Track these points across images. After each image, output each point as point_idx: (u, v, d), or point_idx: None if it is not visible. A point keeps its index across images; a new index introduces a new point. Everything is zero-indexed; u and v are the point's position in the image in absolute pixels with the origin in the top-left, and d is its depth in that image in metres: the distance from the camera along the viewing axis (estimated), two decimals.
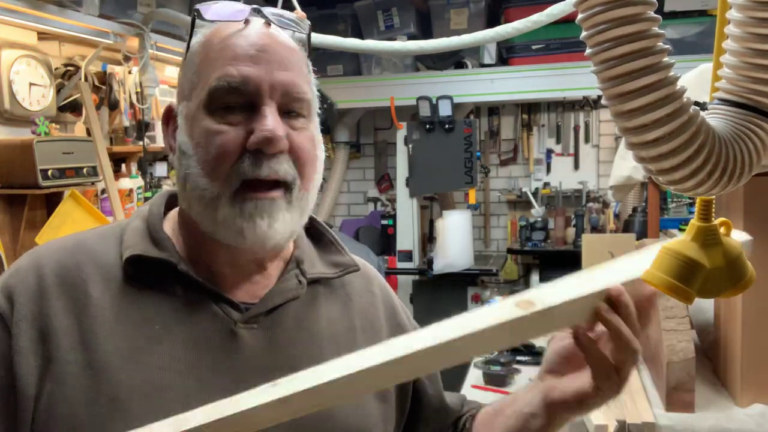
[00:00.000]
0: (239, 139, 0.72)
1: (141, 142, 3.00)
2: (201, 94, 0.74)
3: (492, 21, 4.09)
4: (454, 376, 2.22)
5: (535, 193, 4.58)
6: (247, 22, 0.77)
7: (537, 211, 4.44)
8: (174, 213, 0.83)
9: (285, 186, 0.75)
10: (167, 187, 3.31)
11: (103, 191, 2.69)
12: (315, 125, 0.81)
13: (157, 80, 2.98)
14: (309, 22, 0.83)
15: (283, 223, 0.74)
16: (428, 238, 4.73)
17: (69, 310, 0.71)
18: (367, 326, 0.88)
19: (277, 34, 0.78)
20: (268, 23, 0.78)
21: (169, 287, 0.75)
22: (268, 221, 0.73)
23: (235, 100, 0.73)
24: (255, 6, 0.78)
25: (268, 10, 0.79)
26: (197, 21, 0.78)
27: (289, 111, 0.76)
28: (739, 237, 0.79)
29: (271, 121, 0.72)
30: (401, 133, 4.13)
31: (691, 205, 4.04)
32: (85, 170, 2.45)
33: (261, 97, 0.73)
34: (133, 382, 0.69)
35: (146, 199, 3.10)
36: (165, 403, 0.68)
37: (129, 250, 0.75)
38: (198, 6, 0.78)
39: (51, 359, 0.69)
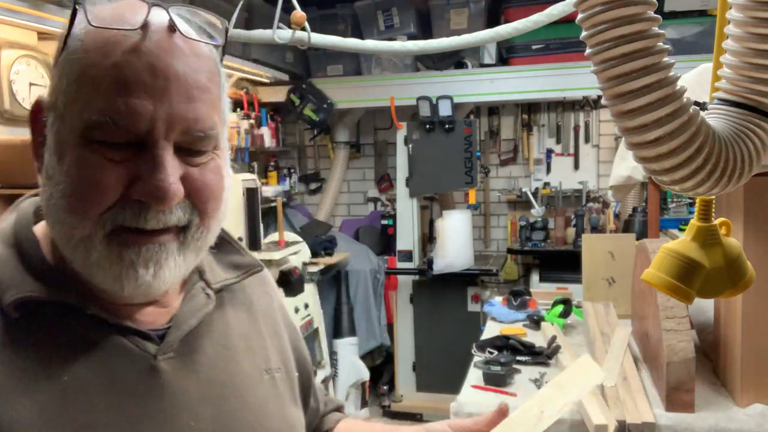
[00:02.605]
0: (120, 182, 0.59)
1: None
2: (77, 119, 0.59)
3: (492, 21, 4.09)
4: (455, 376, 2.22)
5: (535, 193, 4.59)
6: (145, 26, 0.59)
7: (537, 211, 4.44)
8: (42, 231, 0.67)
9: (178, 228, 0.63)
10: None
11: None
12: (224, 149, 0.67)
13: None
14: (226, 24, 0.67)
15: (172, 270, 0.62)
16: (428, 238, 4.73)
17: None
18: (272, 332, 0.81)
19: (185, 47, 0.61)
20: (172, 28, 0.61)
21: (65, 327, 0.62)
22: (154, 270, 0.61)
23: (120, 137, 0.58)
24: (156, 2, 0.61)
25: (174, 9, 0.62)
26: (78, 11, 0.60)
27: (189, 148, 0.62)
28: None
29: (163, 172, 0.59)
30: (401, 133, 4.13)
31: (691, 205, 4.04)
32: None
33: (154, 138, 0.59)
34: None
35: None
36: None
37: (11, 291, 0.60)
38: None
39: None
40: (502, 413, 0.80)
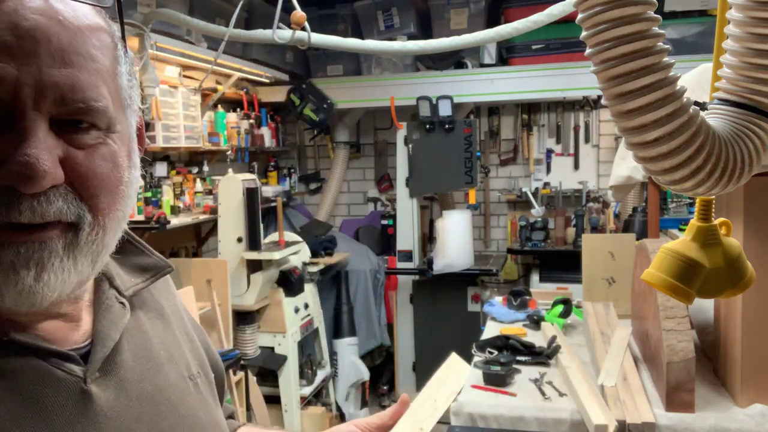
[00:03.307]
0: None
1: None
2: None
3: (492, 21, 4.09)
4: None
5: (535, 193, 4.59)
6: None
7: (537, 211, 4.44)
8: None
9: (65, 225, 0.54)
10: (166, 187, 3.31)
11: None
12: (123, 135, 0.58)
13: (157, 80, 2.98)
14: None
15: (58, 274, 0.53)
16: (428, 238, 4.73)
17: None
18: (184, 335, 0.76)
19: (63, 9, 0.53)
20: None
21: None
22: (36, 272, 0.52)
23: None
24: None
25: None
26: None
27: (72, 122, 0.53)
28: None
29: (32, 144, 0.50)
30: (401, 133, 4.13)
31: (691, 205, 4.04)
32: None
33: (20, 109, 0.50)
34: None
35: (146, 198, 3.10)
36: None
37: None
38: None
39: None
40: (404, 404, 0.83)
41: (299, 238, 3.57)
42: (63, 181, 0.52)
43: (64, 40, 0.52)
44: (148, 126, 3.10)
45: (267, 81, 4.24)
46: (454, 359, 0.93)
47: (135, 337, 0.66)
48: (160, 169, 3.38)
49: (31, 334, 0.57)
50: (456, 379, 0.90)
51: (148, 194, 3.12)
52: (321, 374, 3.64)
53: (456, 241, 4.00)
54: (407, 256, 4.22)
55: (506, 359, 1.92)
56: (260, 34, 2.71)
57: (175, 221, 3.07)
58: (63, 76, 0.51)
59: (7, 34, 0.49)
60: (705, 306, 2.00)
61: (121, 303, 0.66)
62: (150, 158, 3.32)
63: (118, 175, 0.57)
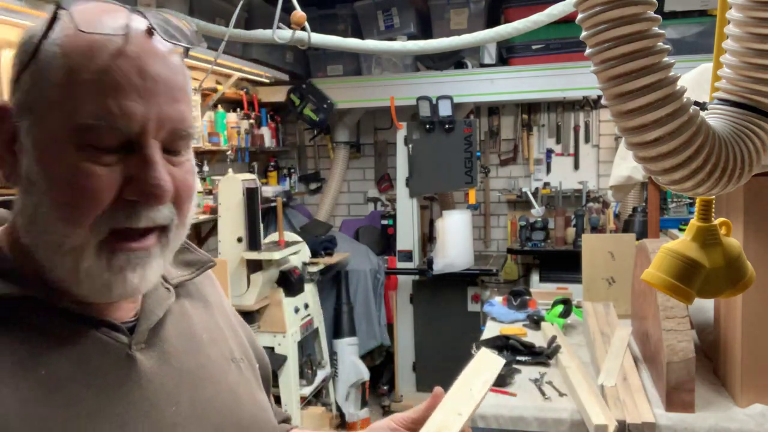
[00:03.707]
0: (115, 185, 0.60)
1: None
2: (65, 123, 0.59)
3: (492, 21, 4.09)
4: (455, 376, 2.22)
5: (535, 193, 4.58)
6: (127, 30, 0.61)
7: (537, 211, 4.44)
8: (4, 233, 0.68)
9: (160, 229, 0.65)
10: None
11: None
12: (191, 149, 0.70)
13: None
14: (195, 28, 0.69)
15: (155, 272, 0.65)
16: (428, 238, 4.73)
17: None
18: (228, 326, 0.84)
19: (164, 50, 0.63)
20: (150, 32, 0.63)
21: (36, 323, 0.63)
22: (141, 274, 0.63)
23: (112, 140, 0.60)
24: (136, 8, 0.64)
25: (153, 15, 0.64)
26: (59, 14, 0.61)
27: (170, 149, 0.65)
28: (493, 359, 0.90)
29: (159, 170, 0.61)
30: (401, 133, 4.13)
31: (691, 205, 4.04)
32: None
33: (145, 139, 0.61)
34: None
35: None
36: None
37: None
38: (65, 2, 0.62)
39: None
40: (437, 396, 0.84)
41: (299, 238, 3.57)
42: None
43: (170, 80, 0.63)
44: None
45: (267, 81, 4.24)
46: (484, 353, 0.93)
47: (178, 319, 0.75)
48: None
49: (84, 305, 0.65)
50: (489, 368, 0.89)
51: None
52: (321, 374, 3.64)
53: (456, 241, 4.00)
54: (407, 256, 4.22)
55: (506, 359, 1.92)
56: (260, 34, 2.71)
57: None
58: (174, 111, 0.63)
59: (135, 76, 0.60)
60: (705, 306, 2.00)
61: (167, 288, 0.75)
62: None
63: (195, 184, 0.69)
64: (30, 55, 0.61)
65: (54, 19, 0.61)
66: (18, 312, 0.62)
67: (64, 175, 0.59)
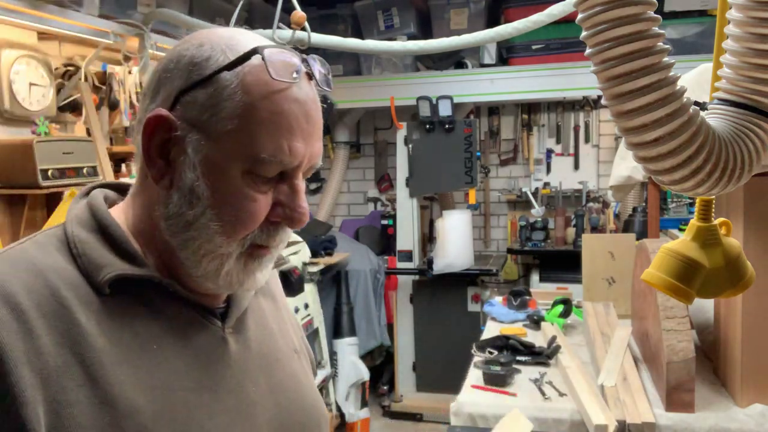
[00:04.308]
0: (266, 210, 0.71)
1: None
2: (241, 152, 0.67)
3: (492, 21, 4.09)
4: (455, 376, 2.22)
5: (535, 193, 4.58)
6: (300, 77, 0.70)
7: (537, 211, 4.44)
8: (119, 216, 0.76)
9: None
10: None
11: None
12: None
13: None
14: (329, 68, 0.77)
15: (270, 270, 0.77)
16: (428, 238, 4.73)
17: (61, 345, 0.63)
18: (288, 316, 0.94)
19: (315, 95, 0.73)
20: (309, 76, 0.72)
21: (150, 303, 0.71)
22: (264, 273, 0.75)
23: (274, 172, 0.70)
24: (305, 57, 0.73)
25: (316, 66, 0.74)
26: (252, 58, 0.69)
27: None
28: None
29: (303, 198, 0.72)
30: (401, 133, 4.13)
31: (691, 205, 4.04)
32: (85, 170, 2.44)
33: (297, 172, 0.72)
34: (154, 409, 0.65)
35: None
36: (193, 424, 0.68)
37: (106, 269, 0.68)
38: (260, 48, 0.69)
39: (57, 404, 0.61)
40: None
41: (299, 238, 3.57)
42: None
43: (318, 122, 0.73)
44: None
45: None
46: (515, 414, 0.95)
47: (255, 311, 0.84)
48: None
49: (189, 290, 0.73)
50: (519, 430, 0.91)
51: None
52: (321, 374, 3.64)
53: (456, 241, 4.00)
54: (407, 256, 4.22)
55: (506, 359, 1.92)
56: (260, 34, 2.71)
57: None
58: (317, 148, 0.72)
59: (303, 121, 0.69)
60: (705, 306, 2.00)
61: None
62: None
63: None
64: (203, 78, 0.68)
65: (247, 57, 0.68)
66: (133, 291, 0.70)
67: (231, 198, 0.69)
